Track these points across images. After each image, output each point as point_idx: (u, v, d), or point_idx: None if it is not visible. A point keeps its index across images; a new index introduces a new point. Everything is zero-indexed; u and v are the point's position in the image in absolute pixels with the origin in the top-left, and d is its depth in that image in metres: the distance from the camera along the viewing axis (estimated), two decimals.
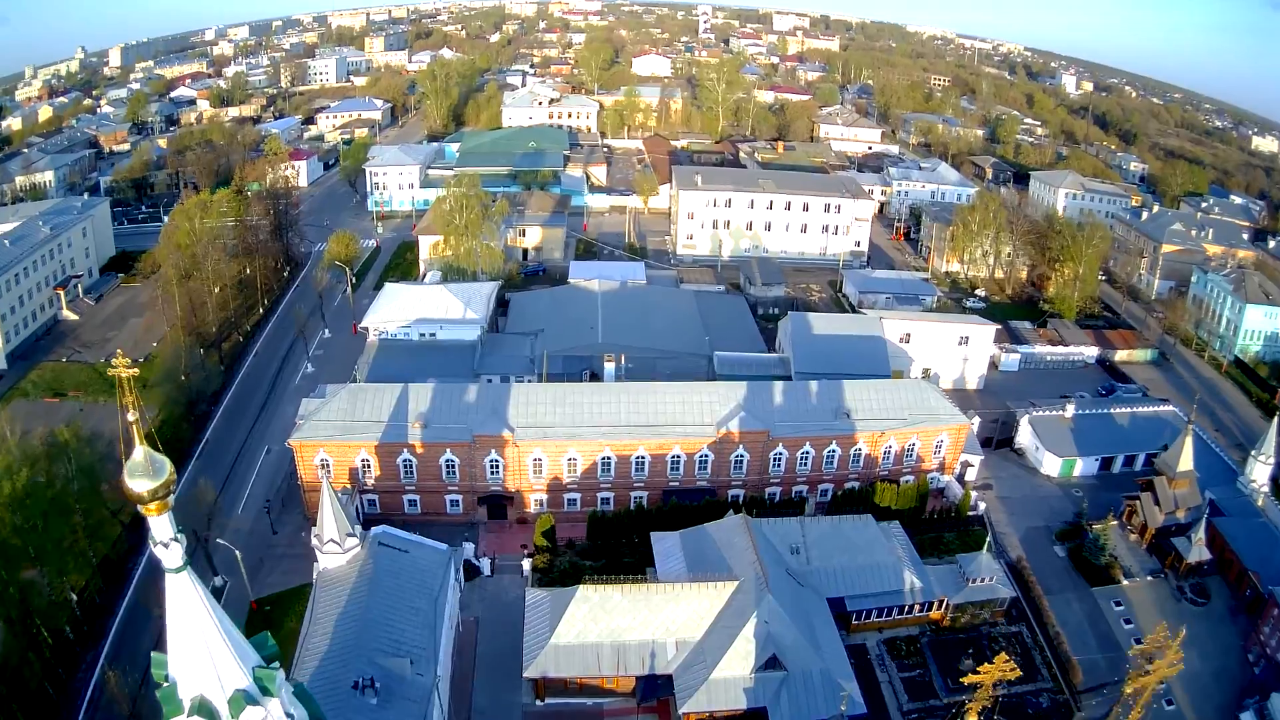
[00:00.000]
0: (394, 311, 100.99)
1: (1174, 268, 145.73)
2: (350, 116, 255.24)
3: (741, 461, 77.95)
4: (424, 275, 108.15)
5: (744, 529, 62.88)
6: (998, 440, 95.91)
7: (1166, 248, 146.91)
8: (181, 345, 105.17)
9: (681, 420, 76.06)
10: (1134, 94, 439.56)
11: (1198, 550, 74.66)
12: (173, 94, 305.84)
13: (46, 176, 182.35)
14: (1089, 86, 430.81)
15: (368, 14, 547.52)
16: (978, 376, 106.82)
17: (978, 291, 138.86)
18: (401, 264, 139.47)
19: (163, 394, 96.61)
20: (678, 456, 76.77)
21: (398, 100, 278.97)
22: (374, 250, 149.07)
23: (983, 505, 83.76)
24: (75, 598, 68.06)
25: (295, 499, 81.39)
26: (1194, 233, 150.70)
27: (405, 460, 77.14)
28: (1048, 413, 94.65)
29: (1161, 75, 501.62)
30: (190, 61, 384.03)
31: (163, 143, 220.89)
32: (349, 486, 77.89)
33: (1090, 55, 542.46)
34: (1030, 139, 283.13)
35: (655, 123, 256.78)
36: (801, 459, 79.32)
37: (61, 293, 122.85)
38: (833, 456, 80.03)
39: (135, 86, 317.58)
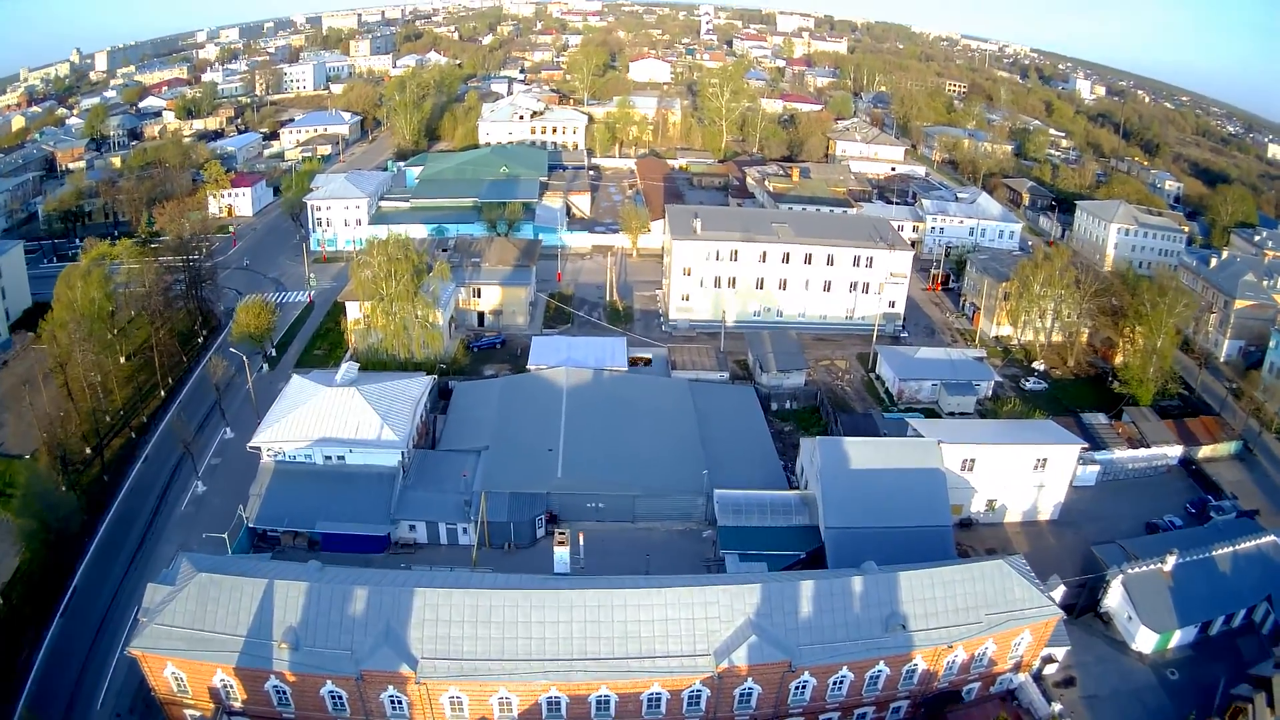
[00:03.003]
0: (293, 425, 77.46)
1: (1245, 325, 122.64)
2: (315, 131, 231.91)
3: (750, 695, 54.15)
4: (341, 368, 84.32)
5: None
6: (1081, 606, 72.41)
7: (1239, 303, 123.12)
8: (44, 465, 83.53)
9: (664, 647, 51.90)
10: (1147, 99, 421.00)
11: None
12: (142, 104, 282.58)
13: None
14: (1101, 91, 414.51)
15: (359, 15, 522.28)
16: (1053, 505, 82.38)
17: (1036, 365, 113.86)
18: (334, 329, 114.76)
19: (23, 529, 75.23)
20: (658, 695, 52.99)
21: (369, 112, 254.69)
22: (306, 306, 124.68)
23: None
24: None
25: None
26: (1265, 282, 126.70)
27: (276, 688, 53.98)
28: (1144, 569, 71.09)
29: (1165, 77, 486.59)
30: (172, 67, 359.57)
31: (116, 162, 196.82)
32: (208, 713, 55.43)
33: (1093, 56, 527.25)
34: (1058, 153, 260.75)
35: (651, 137, 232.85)
36: (835, 685, 55.54)
37: None
38: (878, 679, 56.27)
39: (111, 94, 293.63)
